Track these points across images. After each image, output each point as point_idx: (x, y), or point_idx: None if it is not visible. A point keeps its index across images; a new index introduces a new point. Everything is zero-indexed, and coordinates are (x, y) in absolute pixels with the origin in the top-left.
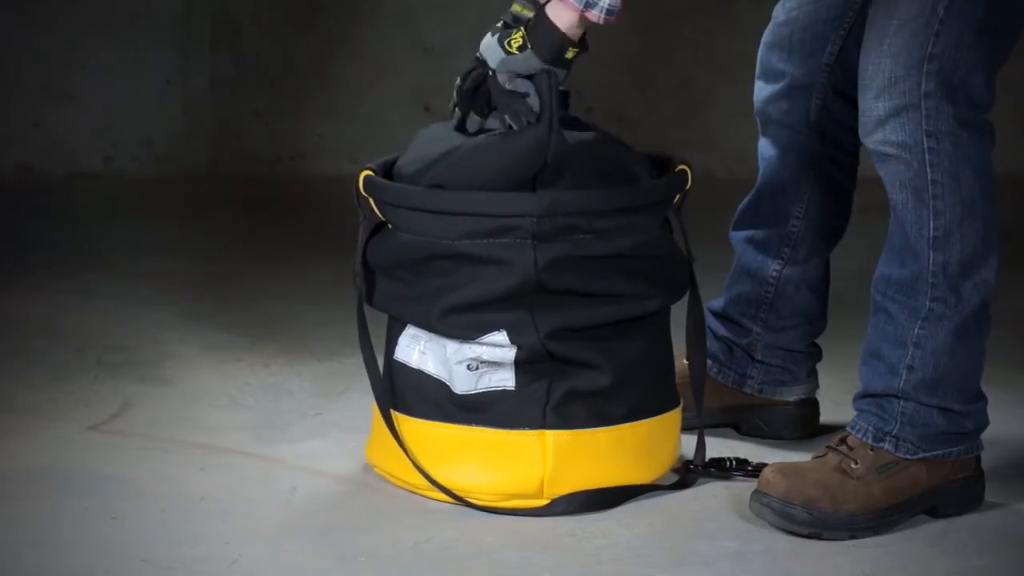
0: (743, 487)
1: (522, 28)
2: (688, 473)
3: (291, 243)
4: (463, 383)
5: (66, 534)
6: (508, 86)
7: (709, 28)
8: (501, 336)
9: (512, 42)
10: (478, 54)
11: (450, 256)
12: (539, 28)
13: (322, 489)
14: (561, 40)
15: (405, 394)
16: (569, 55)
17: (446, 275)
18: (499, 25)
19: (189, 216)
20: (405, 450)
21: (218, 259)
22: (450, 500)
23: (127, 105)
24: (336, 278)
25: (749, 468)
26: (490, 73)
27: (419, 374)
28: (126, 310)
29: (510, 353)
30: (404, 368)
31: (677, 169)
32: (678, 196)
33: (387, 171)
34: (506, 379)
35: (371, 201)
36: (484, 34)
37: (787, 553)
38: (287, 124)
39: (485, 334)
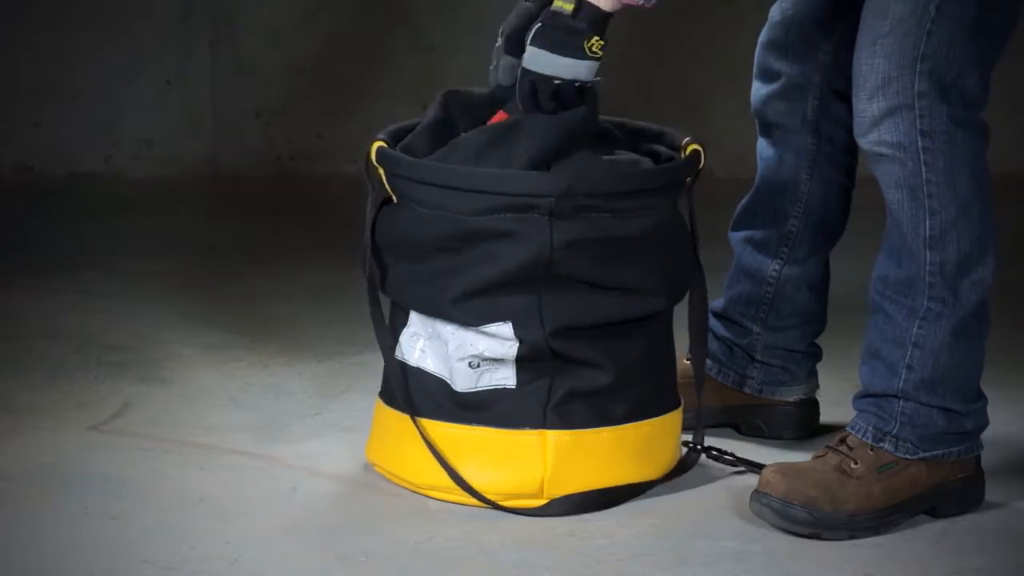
0: (743, 487)
1: (594, 36)
2: (688, 453)
3: (291, 243)
4: (464, 381)
5: (66, 534)
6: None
7: (709, 28)
8: (506, 328)
9: (594, 46)
10: (555, 77)
11: (462, 235)
12: (585, 11)
13: (322, 489)
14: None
15: (407, 392)
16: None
17: (457, 255)
18: (541, 27)
19: (189, 216)
20: (429, 444)
21: (218, 259)
22: (450, 499)
23: (127, 105)
24: (336, 278)
25: (749, 461)
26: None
27: (419, 372)
28: (126, 310)
29: (512, 349)
30: (405, 366)
31: (690, 150)
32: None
33: (397, 140)
34: (507, 377)
35: (382, 172)
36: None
37: (787, 553)
38: (287, 124)
39: (492, 323)
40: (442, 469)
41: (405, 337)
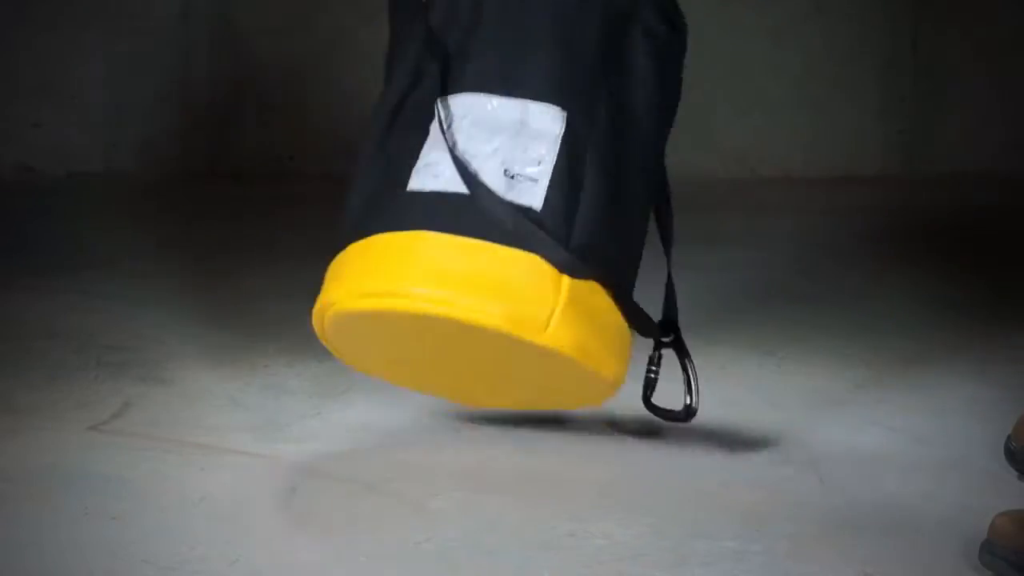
0: (743, 487)
1: None
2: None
3: (290, 243)
4: (495, 182)
5: (66, 534)
6: None
7: (709, 28)
8: (558, 116)
9: None
10: None
11: None
12: None
13: (322, 489)
14: None
15: (420, 215)
16: None
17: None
18: None
19: (189, 216)
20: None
21: (217, 259)
22: (436, 312)
23: (127, 105)
24: None
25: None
26: None
27: (436, 195)
28: (126, 310)
29: (550, 161)
30: (419, 195)
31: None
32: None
33: None
34: (535, 198)
35: None
36: None
37: (787, 553)
38: (287, 124)
39: (543, 101)
40: (451, 282)
41: (417, 175)
